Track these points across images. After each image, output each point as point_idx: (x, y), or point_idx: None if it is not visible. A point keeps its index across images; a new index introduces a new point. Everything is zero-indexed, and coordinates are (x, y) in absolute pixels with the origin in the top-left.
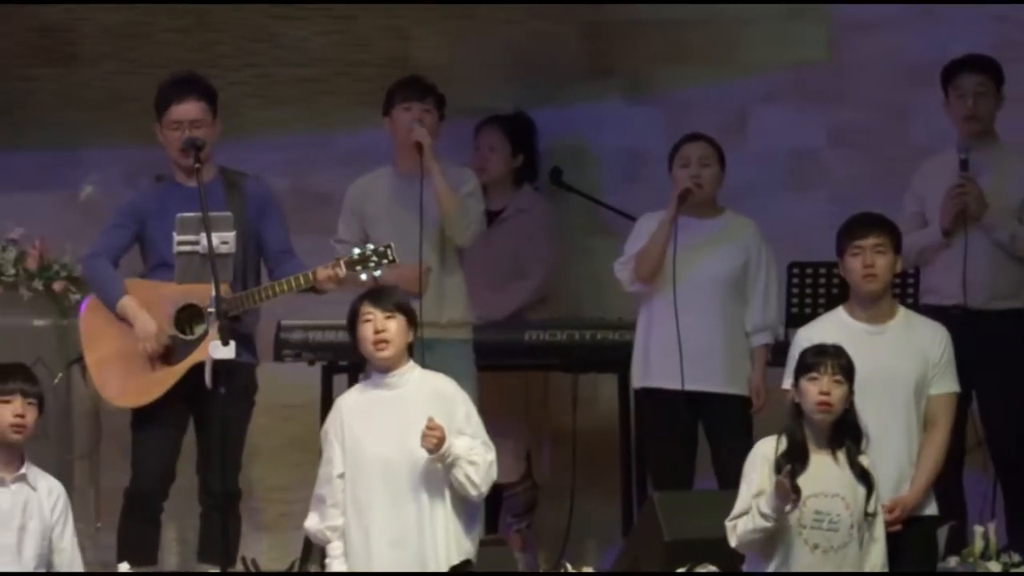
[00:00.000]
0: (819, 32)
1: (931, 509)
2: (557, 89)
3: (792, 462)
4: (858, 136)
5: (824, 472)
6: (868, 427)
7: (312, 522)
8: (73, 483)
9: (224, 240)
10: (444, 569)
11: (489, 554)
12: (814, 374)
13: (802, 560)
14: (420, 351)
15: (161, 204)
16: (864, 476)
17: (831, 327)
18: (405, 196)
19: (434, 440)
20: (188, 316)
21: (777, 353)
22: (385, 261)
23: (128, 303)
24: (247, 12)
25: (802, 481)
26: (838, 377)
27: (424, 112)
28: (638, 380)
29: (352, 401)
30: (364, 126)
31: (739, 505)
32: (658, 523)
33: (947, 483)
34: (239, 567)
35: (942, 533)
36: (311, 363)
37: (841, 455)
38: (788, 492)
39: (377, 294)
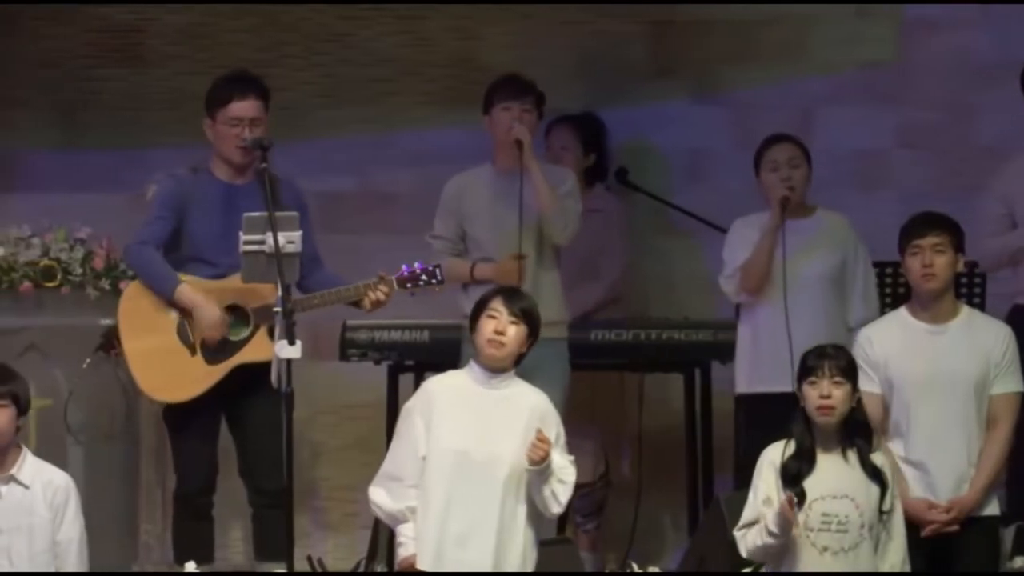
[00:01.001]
0: (887, 32)
1: (992, 509)
2: (623, 89)
3: (798, 466)
4: (925, 136)
5: (832, 474)
6: (929, 427)
7: (382, 499)
8: (140, 483)
9: (291, 239)
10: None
11: (556, 554)
12: (813, 378)
13: (811, 563)
14: None
15: (201, 198)
16: (876, 475)
17: (893, 327)
18: (504, 193)
19: (541, 453)
20: (233, 317)
21: None
22: (433, 281)
23: (186, 291)
24: (313, 12)
25: (808, 484)
26: (838, 379)
27: (523, 111)
28: (744, 386)
29: (446, 387)
30: (430, 126)
31: (747, 513)
32: (724, 523)
33: (1016, 483)
34: (305, 566)
35: (1008, 533)
36: (377, 362)
37: (852, 455)
38: (792, 516)
39: (512, 294)
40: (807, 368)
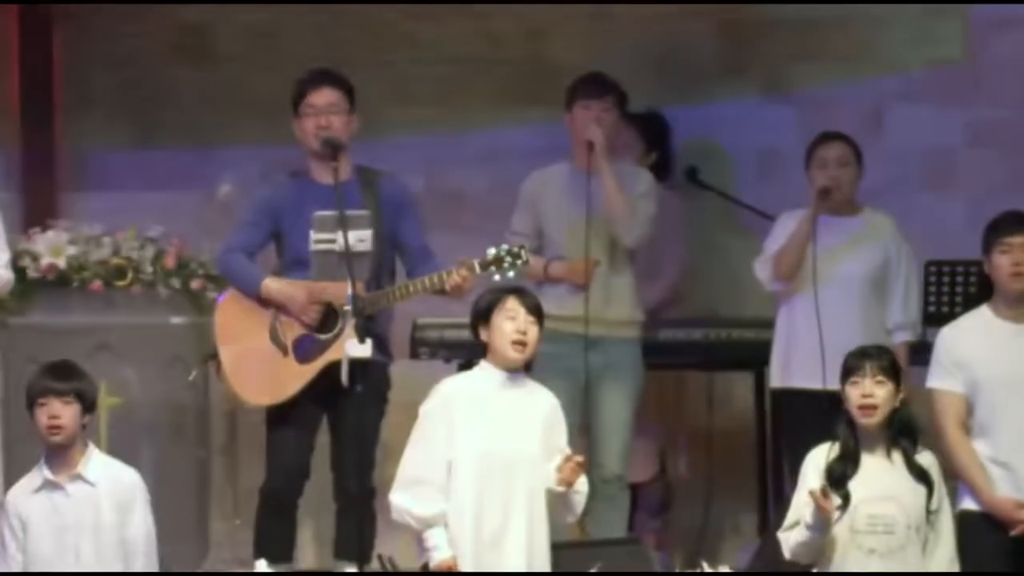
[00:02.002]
0: (956, 31)
1: None
2: (692, 87)
3: (843, 468)
4: (995, 135)
5: (877, 475)
6: (1015, 426)
7: (408, 503)
8: (211, 481)
9: (361, 238)
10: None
11: (624, 553)
12: (855, 378)
13: (858, 565)
14: (582, 347)
15: (296, 201)
16: (922, 475)
17: (975, 325)
18: (576, 192)
19: (579, 475)
20: (323, 315)
21: (917, 351)
22: (519, 262)
23: (271, 283)
24: (383, 11)
25: (853, 485)
26: (880, 378)
27: (603, 111)
28: (777, 380)
29: (463, 389)
30: (499, 125)
31: (791, 515)
32: None
33: None
34: (375, 565)
35: None
36: (447, 361)
37: (897, 456)
38: (825, 508)
39: (525, 292)
40: (849, 368)
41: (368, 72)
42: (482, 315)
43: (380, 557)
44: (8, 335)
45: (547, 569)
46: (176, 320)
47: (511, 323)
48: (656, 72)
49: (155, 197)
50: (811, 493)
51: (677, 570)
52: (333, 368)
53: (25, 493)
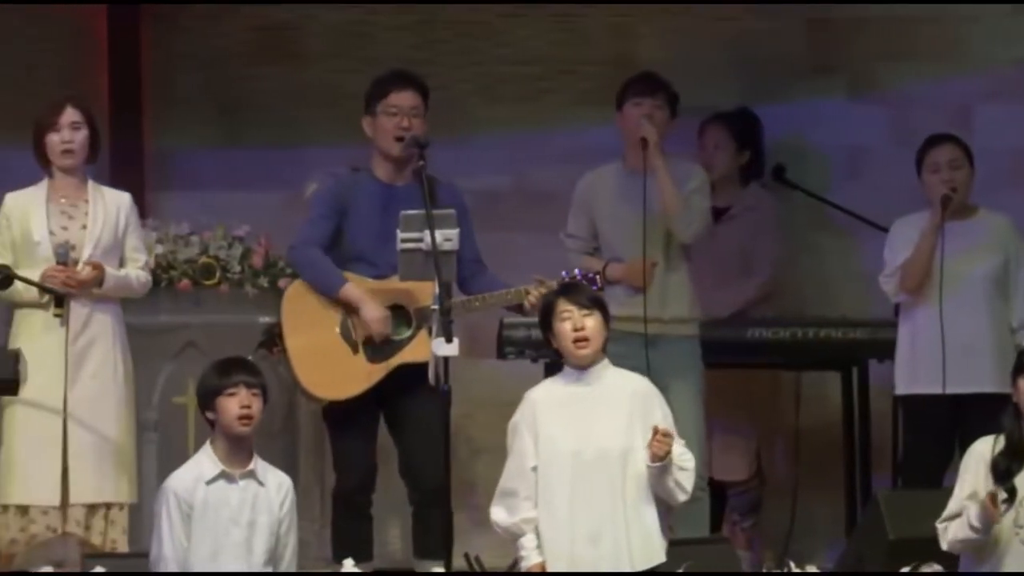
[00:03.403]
0: None
1: None
2: (780, 86)
3: (1009, 462)
4: None
5: None
6: None
7: (500, 516)
8: (299, 480)
9: (448, 237)
10: (638, 567)
11: (712, 552)
12: None
13: (1019, 559)
14: (643, 347)
15: (361, 198)
16: None
17: None
18: (630, 192)
19: (666, 448)
20: (394, 316)
21: None
22: (593, 288)
23: (352, 289)
24: (471, 10)
25: (1019, 480)
26: None
27: (655, 108)
28: (903, 387)
29: (544, 395)
30: (587, 124)
31: (951, 506)
32: (882, 521)
33: None
34: (462, 564)
35: None
36: (534, 360)
37: None
38: (994, 513)
39: (572, 290)
40: (1020, 365)
41: (456, 72)
42: (544, 325)
43: (467, 556)
44: None
45: (659, 558)
46: (264, 319)
47: (567, 323)
48: (743, 71)
49: (241, 197)
50: (984, 500)
51: (765, 570)
52: (400, 369)
53: (196, 481)
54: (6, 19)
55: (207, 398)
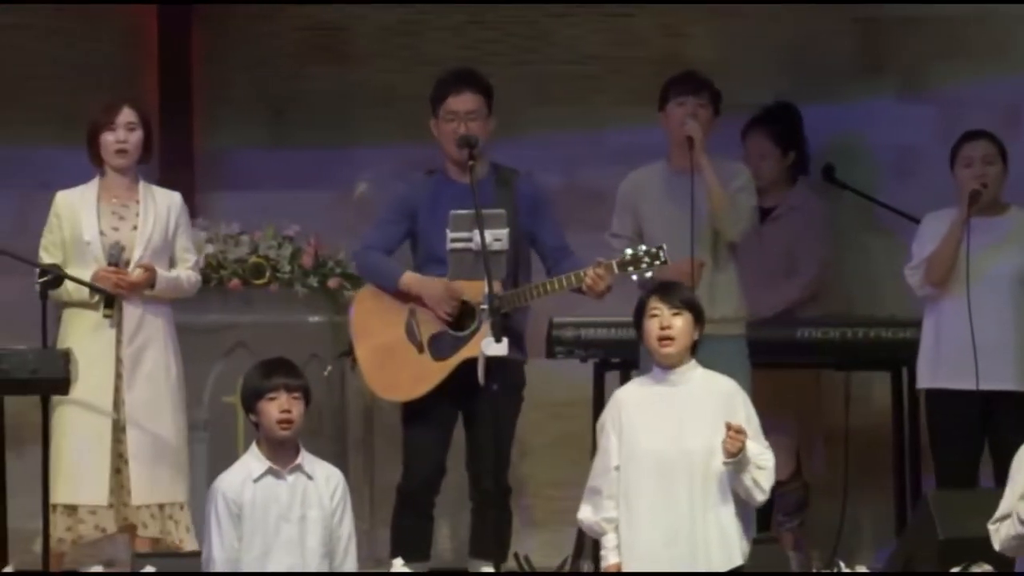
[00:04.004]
0: None
1: None
2: (829, 86)
3: None
4: None
5: None
6: None
7: (586, 514)
8: (348, 478)
9: (497, 237)
10: (715, 570)
11: (761, 552)
12: None
13: None
14: None
15: (432, 199)
16: None
17: None
18: (677, 192)
19: (738, 444)
20: (459, 313)
21: None
22: (657, 263)
23: (410, 276)
24: (520, 10)
25: None
26: None
27: (698, 107)
28: (926, 381)
29: (631, 394)
30: (637, 123)
31: (1003, 506)
32: (932, 521)
33: None
34: (512, 564)
35: None
36: (583, 360)
37: None
38: None
39: (666, 289)
40: None
41: (506, 71)
42: (636, 321)
43: (517, 556)
44: None
45: (736, 560)
46: (313, 319)
47: (655, 321)
48: (793, 71)
49: (291, 196)
50: None
51: (814, 570)
52: (469, 366)
53: (244, 481)
54: (58, 19)
55: (249, 401)
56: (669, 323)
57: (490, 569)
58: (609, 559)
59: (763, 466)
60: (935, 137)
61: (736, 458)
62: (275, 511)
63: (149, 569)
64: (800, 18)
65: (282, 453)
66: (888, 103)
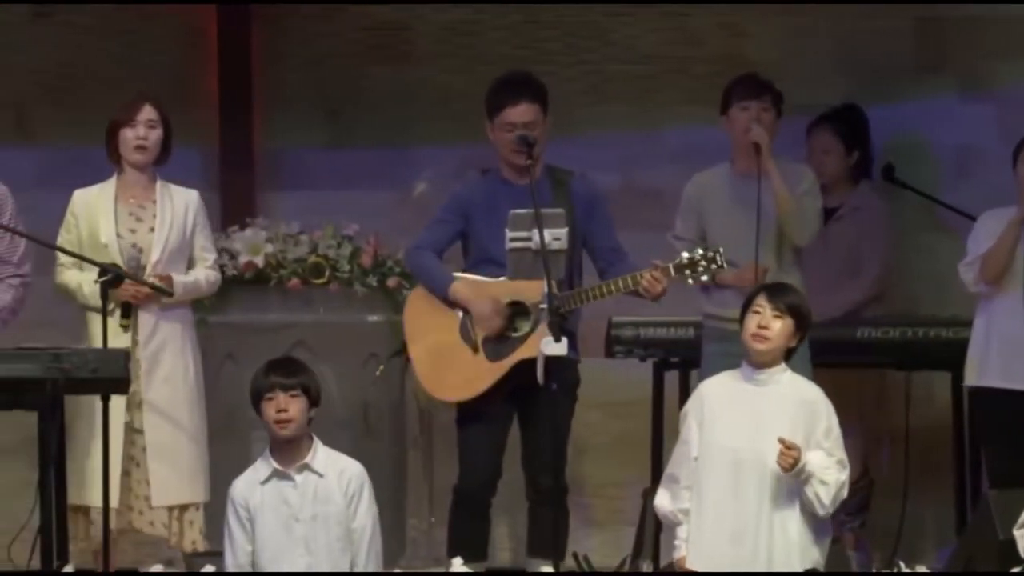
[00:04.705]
0: None
1: None
2: (889, 85)
3: None
4: None
5: None
6: None
7: (663, 501)
8: (406, 478)
9: (556, 236)
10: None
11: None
12: None
13: None
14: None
15: (487, 199)
16: None
17: None
18: (742, 195)
19: (790, 460)
20: (514, 313)
21: None
22: (714, 266)
23: (459, 287)
24: (578, 10)
25: None
26: None
27: (762, 111)
28: (972, 379)
29: (716, 387)
30: (694, 123)
31: None
32: (992, 522)
33: None
34: (570, 563)
35: None
36: (642, 359)
37: None
38: None
39: (775, 289)
40: None
41: (564, 70)
42: (742, 317)
43: (576, 555)
44: (206, 333)
45: (796, 568)
46: (372, 318)
47: (755, 317)
48: (852, 70)
49: (350, 196)
50: None
51: (874, 570)
52: (523, 365)
53: (252, 484)
54: (118, 19)
55: (254, 403)
56: (768, 323)
57: (549, 569)
58: (680, 551)
59: (826, 481)
60: (995, 136)
61: (790, 473)
62: (285, 512)
63: (209, 568)
64: (860, 17)
65: (289, 453)
66: (949, 102)
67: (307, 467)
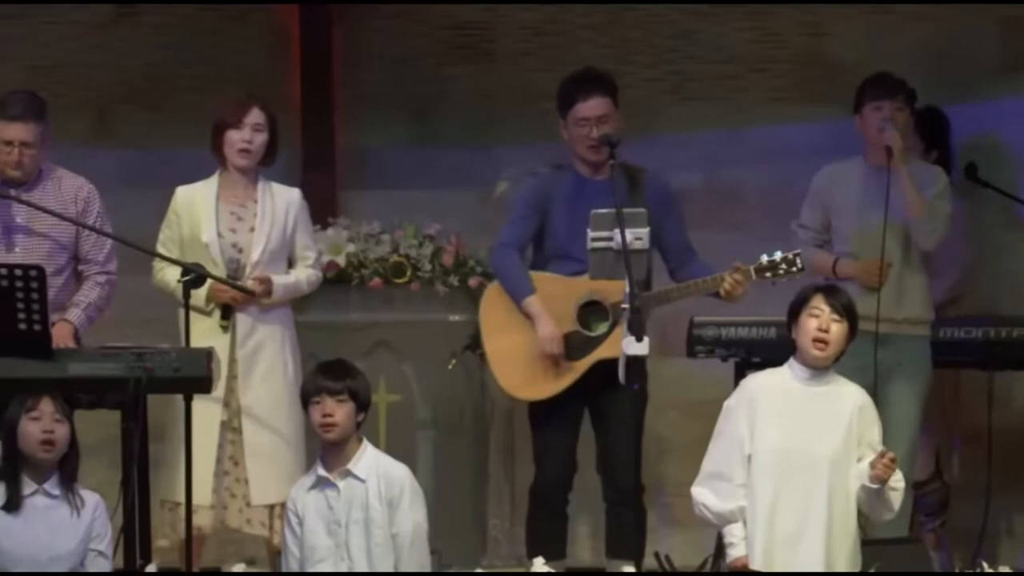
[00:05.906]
0: None
1: None
2: (972, 84)
3: None
4: None
5: None
6: None
7: (710, 499)
8: (489, 478)
9: (638, 236)
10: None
11: (904, 552)
12: None
13: None
14: (872, 345)
15: (567, 195)
16: None
17: None
18: (872, 192)
19: (891, 472)
20: (590, 312)
21: None
22: (793, 269)
23: (532, 302)
24: (663, 9)
25: None
26: None
27: (895, 111)
28: None
29: (765, 384)
30: (778, 122)
31: None
32: None
33: None
34: (652, 563)
35: None
36: (724, 359)
37: None
38: None
39: (832, 291)
40: None
41: (645, 70)
42: (792, 312)
43: (658, 555)
44: None
45: (847, 566)
46: (454, 317)
47: (814, 320)
48: (935, 69)
49: (432, 195)
50: None
51: (956, 570)
52: (600, 365)
53: (302, 490)
54: (201, 19)
55: (303, 406)
56: (828, 327)
57: (630, 568)
58: (740, 550)
59: (896, 487)
60: None
61: (883, 485)
62: (328, 517)
63: (239, 567)
64: (943, 16)
65: (335, 457)
66: None
67: (349, 473)
